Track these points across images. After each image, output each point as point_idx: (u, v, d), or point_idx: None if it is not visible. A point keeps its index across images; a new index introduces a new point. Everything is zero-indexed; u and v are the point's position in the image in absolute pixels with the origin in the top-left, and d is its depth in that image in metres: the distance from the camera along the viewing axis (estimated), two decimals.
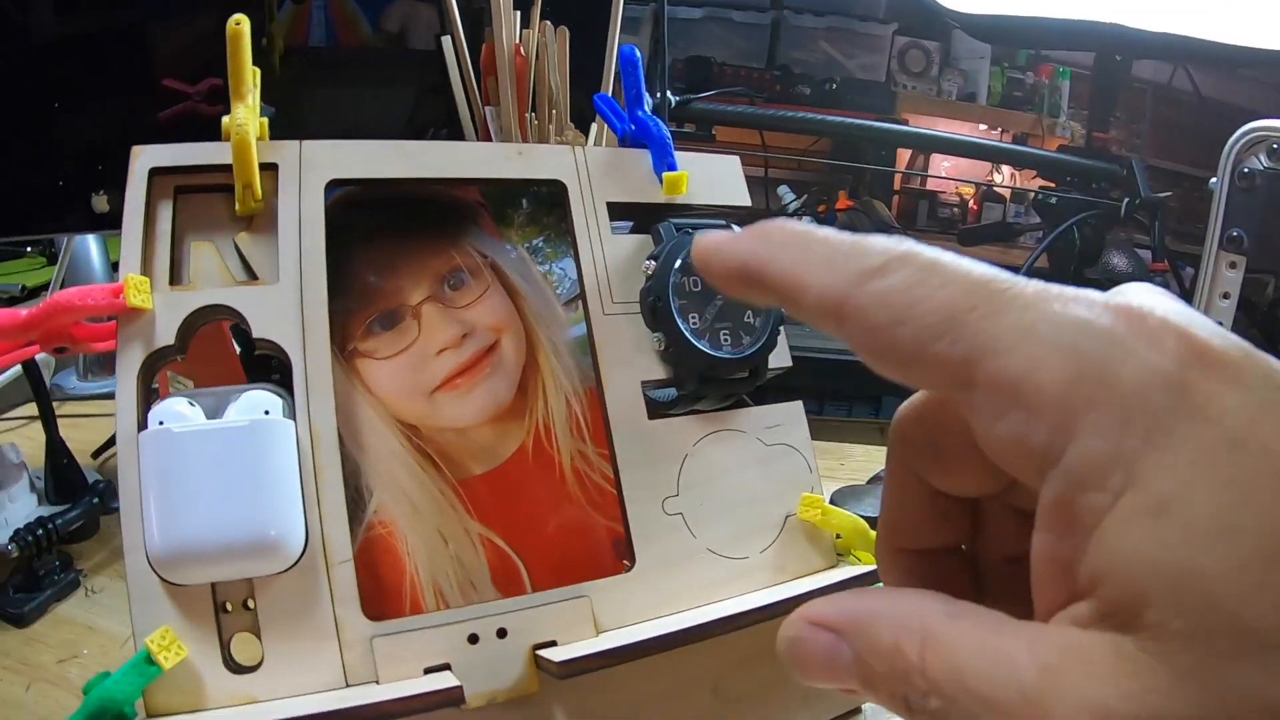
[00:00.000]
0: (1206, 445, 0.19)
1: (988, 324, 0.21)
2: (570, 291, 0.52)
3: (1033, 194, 1.20)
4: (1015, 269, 0.95)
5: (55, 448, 0.72)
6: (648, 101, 0.56)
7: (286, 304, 0.46)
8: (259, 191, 0.47)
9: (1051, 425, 0.20)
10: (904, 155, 1.48)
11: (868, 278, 0.22)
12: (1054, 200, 1.11)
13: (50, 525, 0.64)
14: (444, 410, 0.48)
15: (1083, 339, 0.20)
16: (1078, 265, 1.10)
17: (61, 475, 0.73)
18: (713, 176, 0.57)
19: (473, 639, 0.44)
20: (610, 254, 0.52)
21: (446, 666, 0.43)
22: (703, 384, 0.51)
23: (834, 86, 1.31)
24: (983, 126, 1.46)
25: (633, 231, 0.55)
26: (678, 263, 0.50)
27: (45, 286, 1.18)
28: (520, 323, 0.50)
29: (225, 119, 0.47)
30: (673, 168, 0.54)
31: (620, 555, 0.48)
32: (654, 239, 0.53)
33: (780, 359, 0.55)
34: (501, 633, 0.44)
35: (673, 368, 0.51)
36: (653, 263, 0.51)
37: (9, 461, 0.69)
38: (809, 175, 1.40)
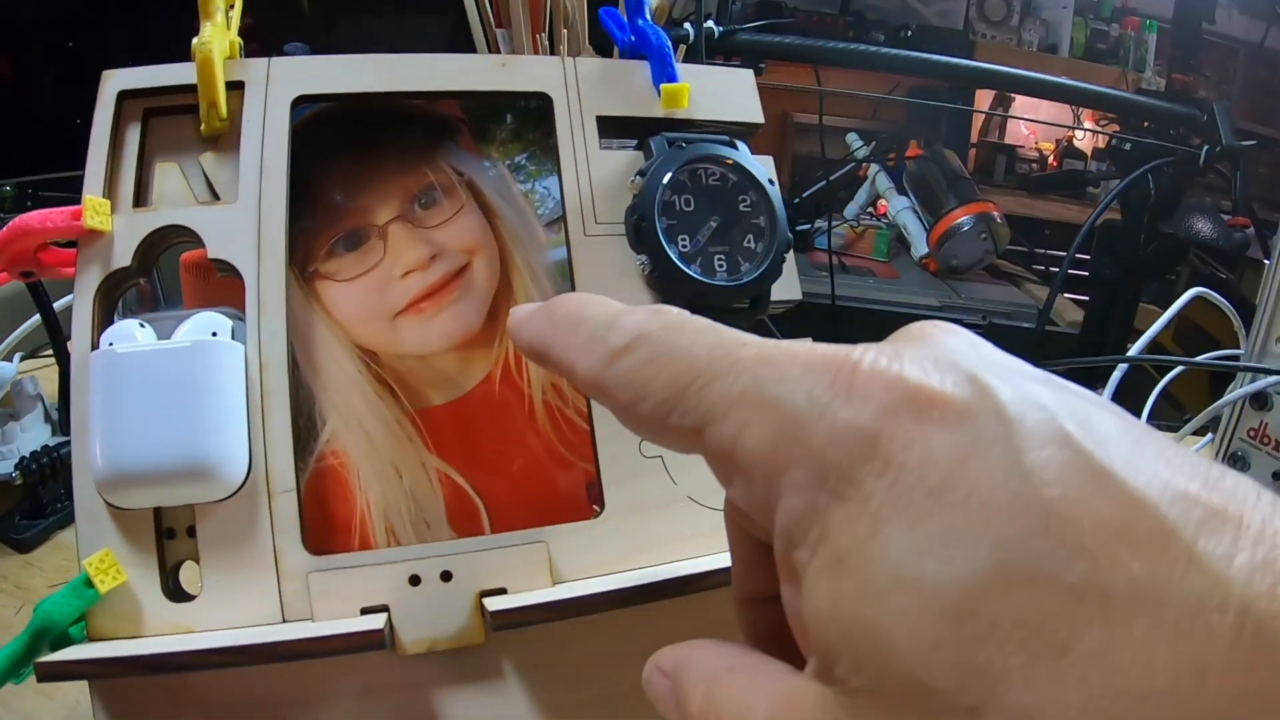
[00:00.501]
0: (896, 495, 0.18)
1: (707, 394, 0.22)
2: (553, 212, 0.48)
3: (1107, 139, 1.09)
4: (1101, 227, 0.87)
5: (68, 380, 0.72)
6: (648, 9, 0.52)
7: (244, 223, 0.44)
8: (224, 110, 0.45)
9: (763, 486, 0.21)
10: (983, 106, 1.40)
11: (614, 359, 0.24)
12: (1128, 146, 1.00)
13: (56, 454, 0.65)
14: (406, 335, 0.45)
15: (785, 399, 0.21)
16: (1152, 217, 0.99)
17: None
18: (720, 90, 0.52)
19: (414, 580, 0.41)
20: (597, 171, 0.48)
21: (385, 608, 0.40)
22: (693, 313, 0.46)
23: (909, 34, 1.24)
24: (1064, 80, 1.37)
25: (636, 149, 0.51)
26: (667, 178, 0.46)
27: None
28: (495, 244, 0.47)
29: (194, 39, 0.46)
30: (673, 79, 0.49)
31: (593, 499, 0.44)
32: (644, 154, 0.48)
33: (788, 290, 0.49)
34: (446, 575, 0.41)
35: (659, 295, 0.47)
36: (639, 178, 0.47)
37: (26, 393, 0.71)
38: (882, 124, 1.33)
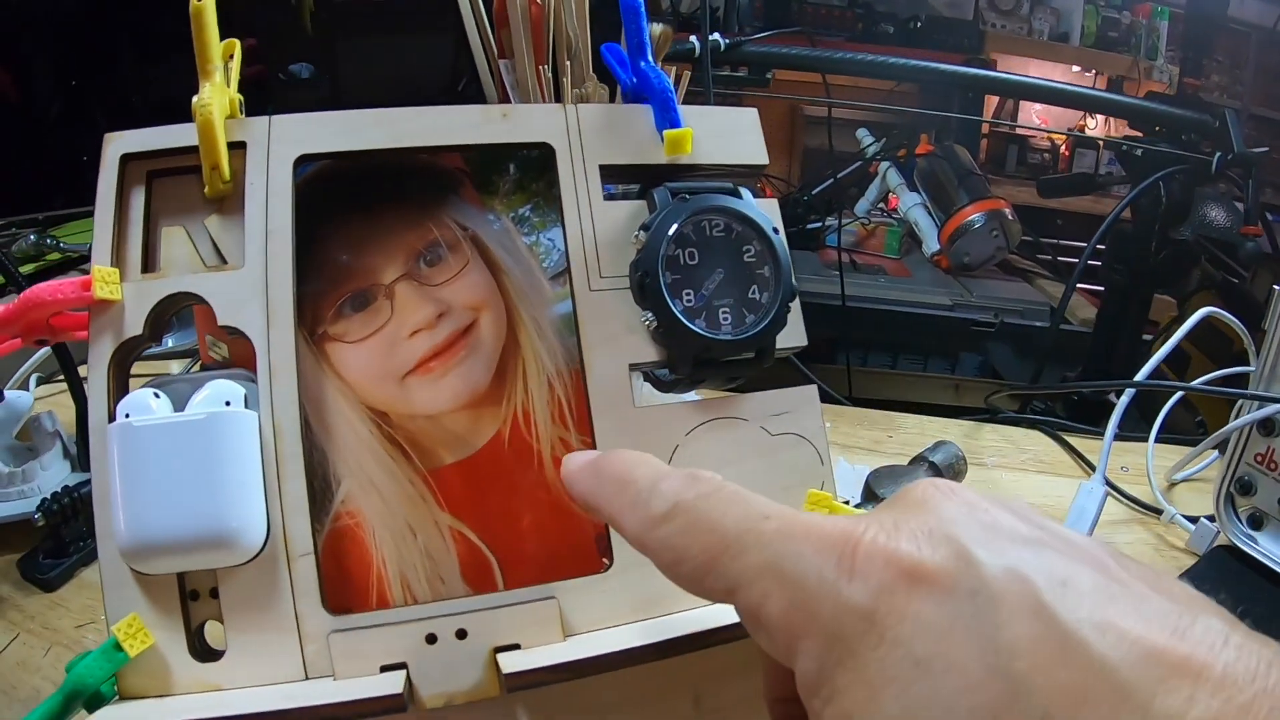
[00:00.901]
0: (888, 666, 0.22)
1: (734, 565, 0.26)
2: (558, 265, 0.48)
3: (1120, 143, 1.08)
4: (1103, 219, 0.87)
5: (86, 417, 0.73)
6: (650, 51, 0.52)
7: (251, 288, 0.45)
8: (226, 172, 0.46)
9: (783, 646, 0.24)
10: (993, 99, 1.38)
11: (656, 524, 0.28)
12: (1139, 152, 0.99)
13: (76, 494, 0.66)
14: (416, 395, 0.45)
15: (799, 576, 0.24)
16: (1163, 224, 0.99)
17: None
18: (723, 131, 0.52)
19: (430, 639, 0.42)
20: (601, 223, 0.49)
21: (403, 665, 0.41)
22: (699, 367, 0.47)
23: (919, 25, 1.23)
24: (1075, 68, 1.35)
25: (638, 198, 0.51)
26: (670, 231, 0.46)
27: None
28: (501, 300, 0.47)
29: (194, 99, 0.46)
30: (676, 124, 0.50)
31: (602, 551, 0.45)
32: (648, 205, 0.49)
33: (793, 338, 0.50)
34: (461, 634, 0.42)
35: (665, 349, 0.47)
36: (643, 233, 0.47)
37: (44, 429, 0.72)
38: (892, 117, 1.32)
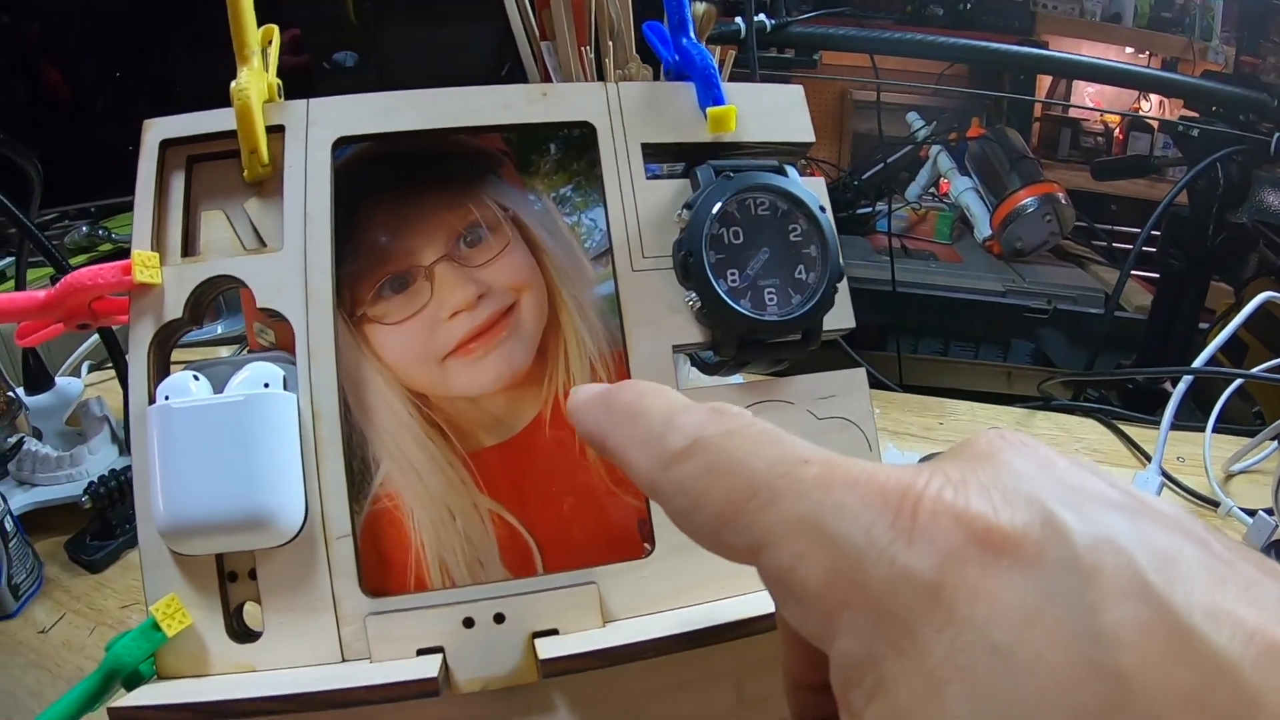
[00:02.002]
0: (958, 653, 0.17)
1: (763, 516, 0.21)
2: (600, 245, 0.47)
3: (1175, 124, 1.05)
4: (1159, 204, 0.84)
5: None
6: (693, 28, 0.51)
7: (290, 271, 0.44)
8: (264, 156, 0.45)
9: (818, 621, 0.20)
10: (1045, 82, 1.34)
11: (670, 463, 0.24)
12: (1195, 132, 0.96)
13: (123, 477, 0.67)
14: (455, 377, 0.45)
15: (844, 535, 0.20)
16: (1220, 206, 0.95)
17: None
18: (768, 109, 0.51)
19: (468, 623, 0.41)
20: (644, 202, 0.48)
21: (440, 649, 0.41)
22: (743, 349, 0.46)
23: (969, 6, 1.20)
24: (1129, 49, 1.31)
25: (682, 176, 0.50)
26: (714, 210, 0.45)
27: None
28: (542, 281, 0.47)
29: (232, 84, 0.46)
30: (719, 101, 0.48)
31: (644, 537, 0.44)
32: (691, 184, 0.48)
33: (841, 320, 0.48)
34: (499, 618, 0.41)
35: (710, 330, 0.46)
36: (686, 212, 0.46)
37: (93, 415, 0.73)
38: (943, 101, 1.30)
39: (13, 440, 0.69)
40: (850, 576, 0.19)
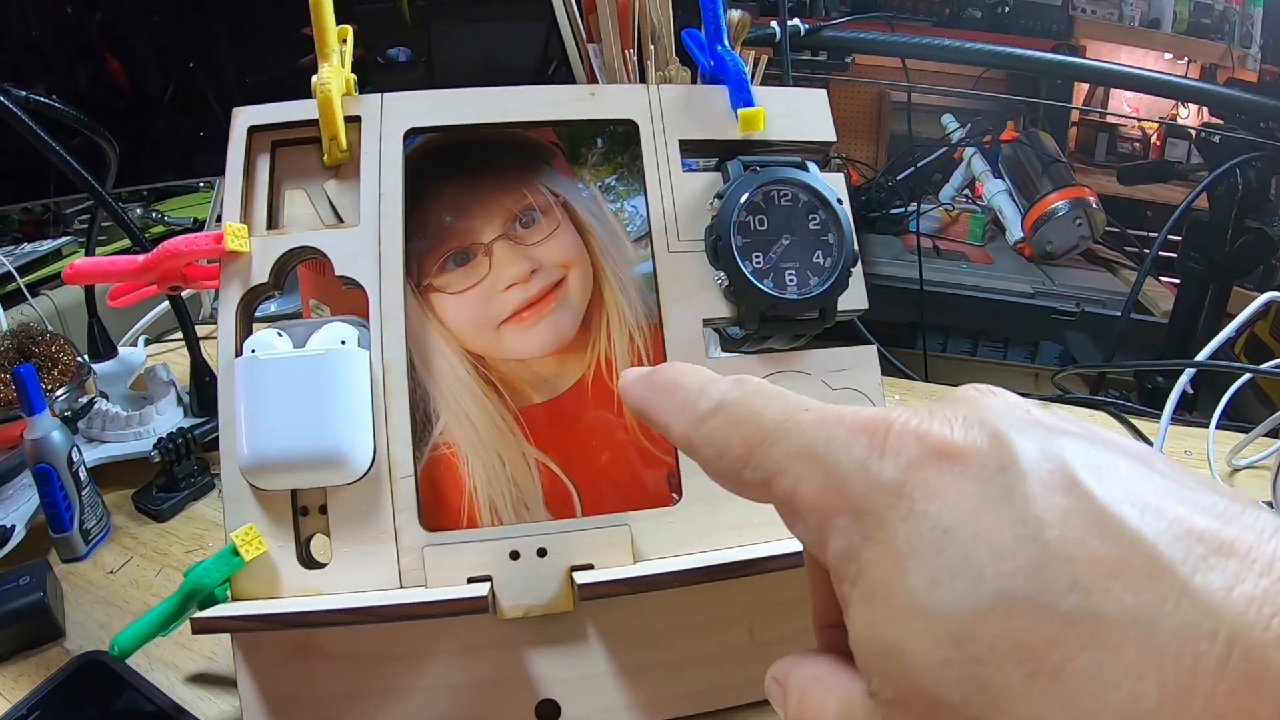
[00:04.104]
0: (915, 536, 0.21)
1: (773, 451, 0.26)
2: (640, 229, 0.53)
3: (1197, 130, 1.06)
4: (1205, 212, 0.85)
5: (199, 367, 0.81)
6: (727, 35, 0.56)
7: (366, 244, 0.50)
8: (344, 142, 0.51)
9: (815, 529, 0.24)
10: (1082, 87, 1.35)
11: (701, 422, 0.28)
12: (1216, 138, 0.98)
13: (190, 435, 0.72)
14: (509, 342, 0.51)
15: (831, 456, 0.24)
16: (1239, 211, 0.98)
17: (204, 391, 0.81)
18: (793, 110, 0.56)
19: (514, 555, 0.47)
20: (680, 192, 0.53)
21: (488, 578, 0.46)
22: (765, 324, 0.51)
23: (1007, 10, 1.22)
24: (1168, 56, 1.30)
25: (714, 170, 0.55)
26: (742, 200, 0.50)
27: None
28: (588, 259, 0.52)
29: (314, 78, 0.52)
30: (749, 103, 0.54)
31: (672, 488, 0.50)
32: (722, 176, 0.53)
33: (855, 301, 0.53)
34: (541, 552, 0.47)
35: (736, 306, 0.52)
36: (717, 201, 0.51)
37: (159, 379, 0.79)
38: (978, 103, 1.31)
39: (84, 400, 0.75)
40: (836, 487, 0.23)
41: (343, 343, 0.49)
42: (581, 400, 0.51)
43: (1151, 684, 0.17)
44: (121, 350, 0.88)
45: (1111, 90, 1.36)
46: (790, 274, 0.51)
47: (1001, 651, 0.19)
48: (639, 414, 0.32)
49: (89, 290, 0.85)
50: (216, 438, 0.77)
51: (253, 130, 0.52)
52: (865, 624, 0.22)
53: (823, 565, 0.28)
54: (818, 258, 0.52)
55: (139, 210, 1.51)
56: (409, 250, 0.50)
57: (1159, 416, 0.82)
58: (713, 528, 0.49)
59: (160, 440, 0.72)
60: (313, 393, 0.47)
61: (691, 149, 0.55)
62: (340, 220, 0.52)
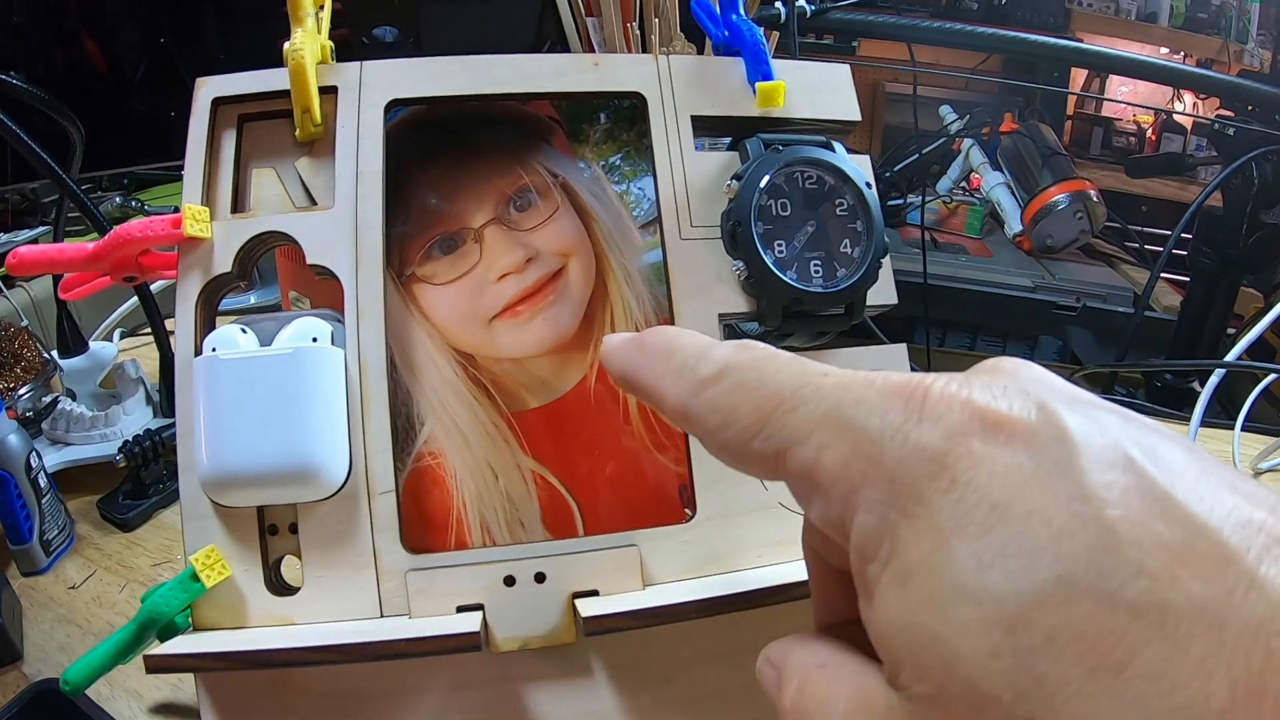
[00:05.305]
0: (961, 511, 0.19)
1: (790, 418, 0.23)
2: (648, 214, 0.47)
3: (1210, 122, 1.04)
4: (1189, 206, 0.83)
5: (168, 364, 0.75)
6: (742, 4, 0.51)
7: (341, 228, 0.45)
8: (317, 116, 0.46)
9: (839, 504, 0.22)
10: (1079, 79, 1.34)
11: (703, 387, 0.25)
12: (1231, 131, 0.96)
13: (158, 437, 0.67)
14: (502, 339, 0.45)
15: (862, 422, 0.21)
16: (1254, 206, 0.95)
17: (174, 389, 0.75)
18: (815, 87, 0.51)
19: (509, 580, 0.42)
20: (692, 172, 0.48)
21: (480, 607, 0.41)
22: (787, 320, 0.46)
23: (1003, 1, 1.20)
24: (1164, 50, 1.30)
25: (729, 149, 0.50)
26: (763, 182, 0.45)
27: None
28: (590, 247, 0.47)
29: (285, 45, 0.46)
30: (768, 77, 0.48)
31: (685, 503, 0.44)
32: (740, 156, 0.48)
33: (884, 295, 0.49)
34: (540, 577, 0.42)
35: (755, 300, 0.46)
36: (735, 183, 0.46)
37: (128, 376, 0.74)
38: (976, 95, 1.29)
39: (47, 400, 0.69)
40: (867, 455, 0.21)
41: (314, 340, 0.43)
42: (583, 405, 0.45)
43: (1222, 683, 0.16)
44: (92, 345, 0.82)
45: (1107, 84, 1.35)
46: (815, 264, 0.46)
47: (1060, 643, 0.17)
48: (624, 382, 0.29)
49: (57, 281, 0.78)
50: None
51: (218, 102, 0.46)
52: (899, 609, 0.20)
53: (830, 551, 0.27)
54: (845, 247, 0.47)
55: (118, 199, 1.43)
56: (389, 236, 0.45)
57: (1172, 416, 0.79)
58: (731, 547, 0.44)
59: (126, 443, 0.67)
60: (280, 397, 0.41)
61: (701, 126, 0.49)
62: (314, 202, 0.46)
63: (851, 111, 0.51)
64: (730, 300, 0.47)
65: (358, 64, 0.47)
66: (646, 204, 0.48)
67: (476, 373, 0.45)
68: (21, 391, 0.67)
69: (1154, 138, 1.36)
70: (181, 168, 0.47)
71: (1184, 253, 1.05)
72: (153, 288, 0.86)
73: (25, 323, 0.78)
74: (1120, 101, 1.34)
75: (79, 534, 0.65)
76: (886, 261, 0.48)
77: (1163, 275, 1.06)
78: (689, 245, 0.47)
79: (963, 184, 1.35)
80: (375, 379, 0.43)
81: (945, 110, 1.28)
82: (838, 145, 0.48)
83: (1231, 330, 1.06)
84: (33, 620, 0.56)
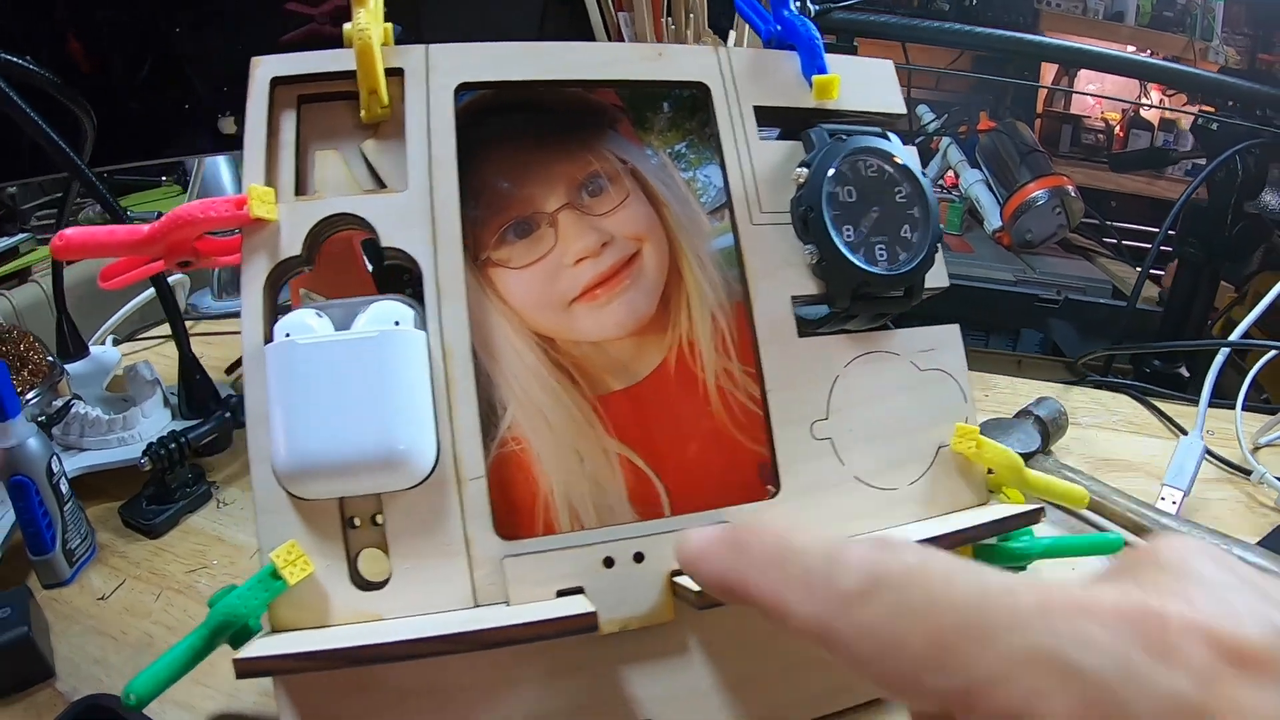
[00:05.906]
0: None
1: (982, 652, 0.20)
2: (715, 200, 0.48)
3: (1194, 117, 1.09)
4: (1170, 202, 0.87)
5: (188, 364, 0.73)
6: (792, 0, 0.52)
7: (416, 212, 0.44)
8: (385, 97, 0.45)
9: None
10: (1046, 78, 1.38)
11: (849, 605, 0.22)
12: (1215, 126, 1.00)
13: (182, 439, 0.64)
14: (581, 322, 0.45)
15: (1093, 667, 0.18)
16: (1238, 198, 1.00)
17: (194, 390, 0.73)
18: (864, 81, 0.52)
19: (608, 562, 0.41)
20: (758, 161, 0.48)
21: (580, 590, 0.41)
22: (855, 301, 0.47)
23: (974, 2, 1.23)
24: (1130, 48, 1.34)
25: (780, 139, 0.51)
26: (831, 170, 0.46)
27: None
28: (663, 232, 0.47)
29: (347, 26, 0.45)
30: (823, 70, 0.50)
31: (765, 480, 0.45)
32: (805, 145, 0.49)
33: (937, 279, 0.50)
34: (638, 557, 0.42)
35: (824, 282, 0.47)
36: (804, 170, 0.47)
37: (142, 378, 0.71)
38: (949, 95, 1.32)
39: (59, 404, 0.66)
40: (1108, 708, 0.18)
41: (396, 323, 0.42)
42: (664, 386, 0.45)
43: None
44: (93, 349, 0.80)
45: (1075, 83, 1.39)
46: (880, 249, 0.47)
47: None
48: (727, 591, 0.25)
49: (58, 283, 0.76)
50: (211, 442, 0.70)
51: (276, 82, 0.45)
52: None
53: None
54: (905, 232, 0.48)
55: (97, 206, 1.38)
56: (462, 220, 0.44)
57: (1176, 397, 0.83)
58: (814, 522, 0.45)
59: (150, 446, 0.64)
60: (365, 382, 0.40)
61: (764, 116, 0.50)
62: (381, 185, 0.45)
63: (896, 104, 0.53)
64: (800, 283, 0.47)
65: (422, 46, 0.46)
66: (713, 190, 0.48)
67: (558, 356, 0.44)
68: (30, 396, 0.64)
69: (1122, 134, 1.40)
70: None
71: (1168, 248, 1.09)
72: (140, 296, 0.84)
73: (18, 326, 0.74)
74: (1094, 95, 1.38)
75: (100, 542, 0.62)
76: (940, 247, 0.49)
77: (1139, 268, 1.09)
78: (760, 230, 0.47)
79: (939, 182, 1.38)
80: (460, 362, 0.42)
81: (923, 109, 1.31)
82: (893, 136, 0.49)
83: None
84: (60, 634, 0.53)
